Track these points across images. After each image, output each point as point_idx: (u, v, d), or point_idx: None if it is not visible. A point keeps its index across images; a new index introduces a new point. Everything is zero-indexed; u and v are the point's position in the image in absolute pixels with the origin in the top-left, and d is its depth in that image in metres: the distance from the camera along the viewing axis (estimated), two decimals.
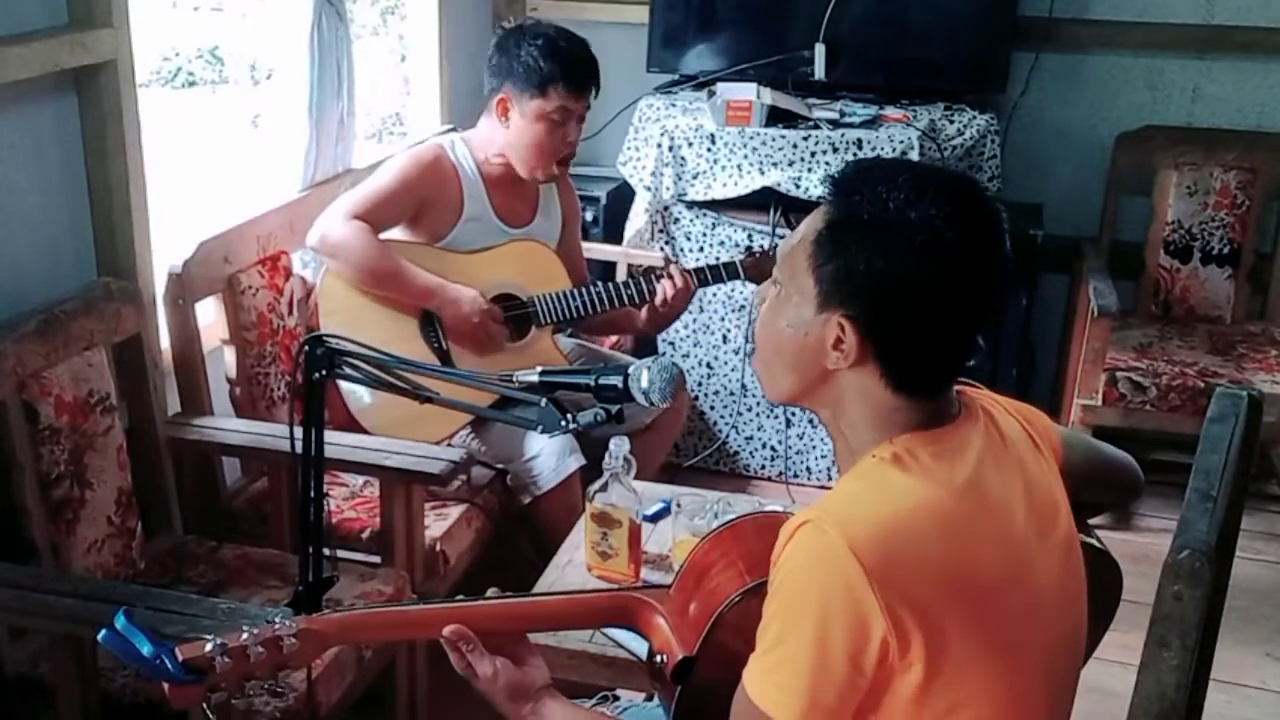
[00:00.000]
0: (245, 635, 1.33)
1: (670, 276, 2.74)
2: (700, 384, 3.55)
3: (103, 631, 1.30)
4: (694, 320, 3.49)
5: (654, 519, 2.23)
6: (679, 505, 2.13)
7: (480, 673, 1.40)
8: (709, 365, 3.53)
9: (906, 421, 1.27)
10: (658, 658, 1.49)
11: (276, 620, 1.37)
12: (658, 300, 2.74)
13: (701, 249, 3.42)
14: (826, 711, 1.18)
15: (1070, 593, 1.34)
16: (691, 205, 3.40)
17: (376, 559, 2.38)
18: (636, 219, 3.49)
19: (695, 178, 3.34)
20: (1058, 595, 1.32)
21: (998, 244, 1.26)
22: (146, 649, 1.29)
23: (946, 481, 1.24)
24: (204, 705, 1.34)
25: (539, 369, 1.63)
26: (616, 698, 1.80)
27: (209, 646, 1.31)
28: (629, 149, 3.47)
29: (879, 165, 1.31)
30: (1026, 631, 1.26)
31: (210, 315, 2.55)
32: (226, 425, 2.48)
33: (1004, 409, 1.38)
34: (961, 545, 1.22)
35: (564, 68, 2.63)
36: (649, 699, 1.83)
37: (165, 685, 1.31)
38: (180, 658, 1.29)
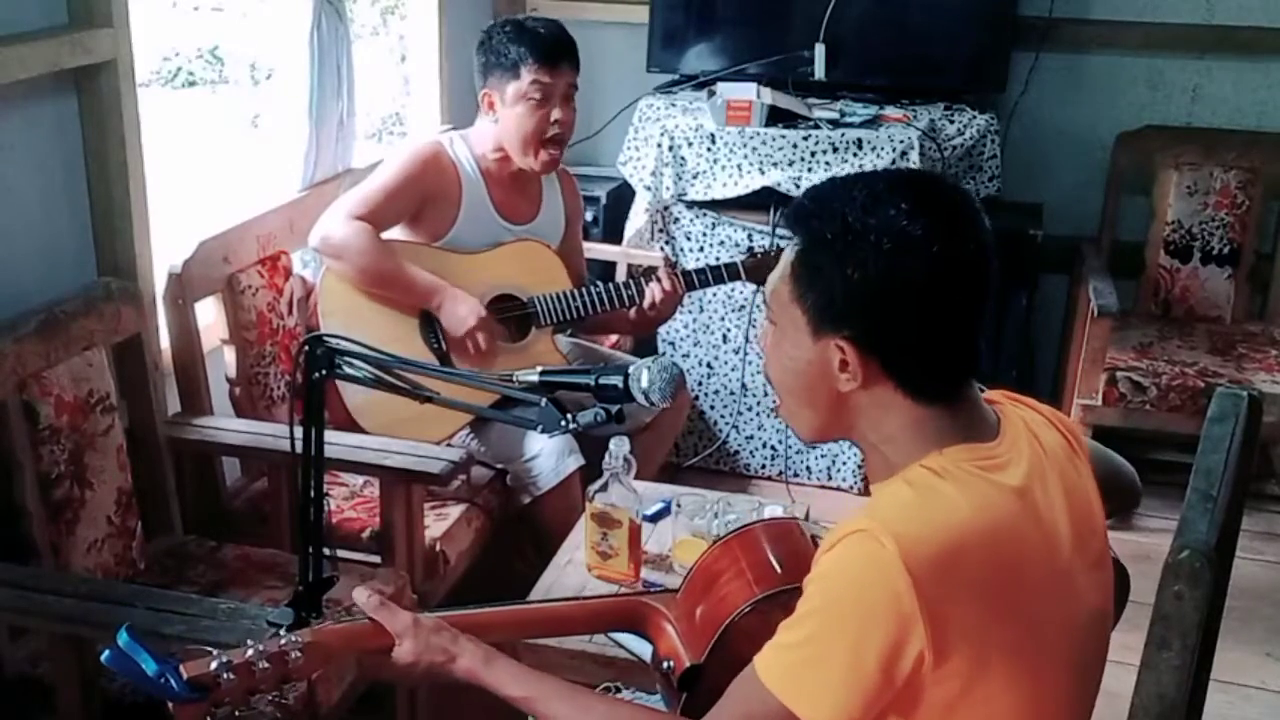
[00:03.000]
0: (250, 651, 1.32)
1: (659, 280, 2.74)
2: (700, 384, 3.55)
3: (105, 651, 1.30)
4: (694, 320, 3.50)
5: (654, 519, 2.23)
6: (679, 505, 2.13)
7: (394, 627, 1.39)
8: (709, 365, 3.53)
9: (947, 432, 1.27)
10: (664, 664, 1.49)
11: (282, 633, 1.36)
12: (645, 303, 2.73)
13: (701, 249, 3.42)
14: (850, 719, 1.18)
15: (1101, 606, 1.35)
16: (691, 205, 3.40)
17: (376, 559, 2.39)
18: (636, 219, 3.49)
19: (695, 178, 3.34)
20: (1090, 610, 1.32)
21: (968, 229, 1.26)
22: (150, 667, 1.28)
23: (998, 499, 1.23)
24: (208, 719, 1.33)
25: (539, 369, 1.63)
26: (619, 690, 1.80)
27: (214, 664, 1.30)
28: (629, 149, 3.47)
29: (830, 186, 1.32)
30: (1060, 645, 1.27)
31: (210, 315, 2.55)
32: (226, 425, 2.48)
33: (1045, 418, 1.38)
34: (1011, 563, 1.22)
35: (531, 44, 2.65)
36: (651, 693, 1.83)
37: (169, 703, 1.30)
38: (184, 675, 1.28)
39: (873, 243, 1.22)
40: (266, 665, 1.32)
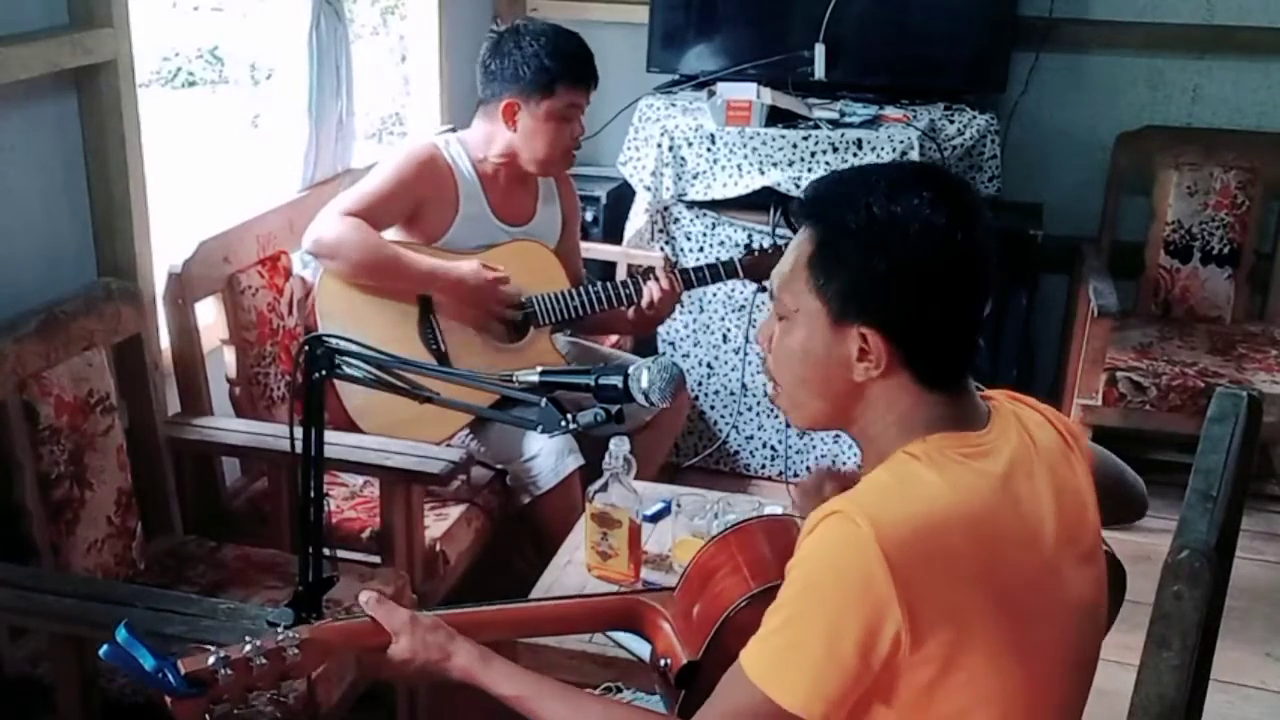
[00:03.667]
0: (248, 647, 1.32)
1: (656, 279, 2.74)
2: (700, 384, 3.55)
3: (104, 646, 1.30)
4: (694, 320, 3.50)
5: (654, 519, 2.23)
6: (679, 505, 2.13)
7: (391, 624, 1.39)
8: (709, 365, 3.53)
9: (937, 419, 1.28)
10: (662, 661, 1.49)
11: (279, 630, 1.36)
12: (644, 302, 2.74)
13: (701, 249, 3.42)
14: (828, 702, 1.18)
15: (1092, 600, 1.35)
16: (691, 205, 3.40)
17: (376, 559, 2.39)
18: (636, 219, 3.49)
19: (695, 178, 3.34)
20: (1080, 603, 1.32)
21: (978, 216, 1.28)
22: (149, 662, 1.28)
23: (978, 484, 1.24)
24: (206, 716, 1.33)
25: (539, 369, 1.63)
26: (620, 690, 1.80)
27: (212, 659, 1.30)
28: (629, 149, 3.47)
29: (845, 176, 1.33)
30: (1048, 636, 1.27)
31: (210, 315, 2.55)
32: (226, 425, 2.48)
33: (1042, 416, 1.38)
34: (990, 547, 1.22)
35: (569, 65, 2.65)
36: (651, 694, 1.83)
37: (167, 699, 1.31)
38: (182, 671, 1.29)
39: (899, 232, 1.23)
40: (264, 662, 1.32)
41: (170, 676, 1.28)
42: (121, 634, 1.29)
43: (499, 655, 1.41)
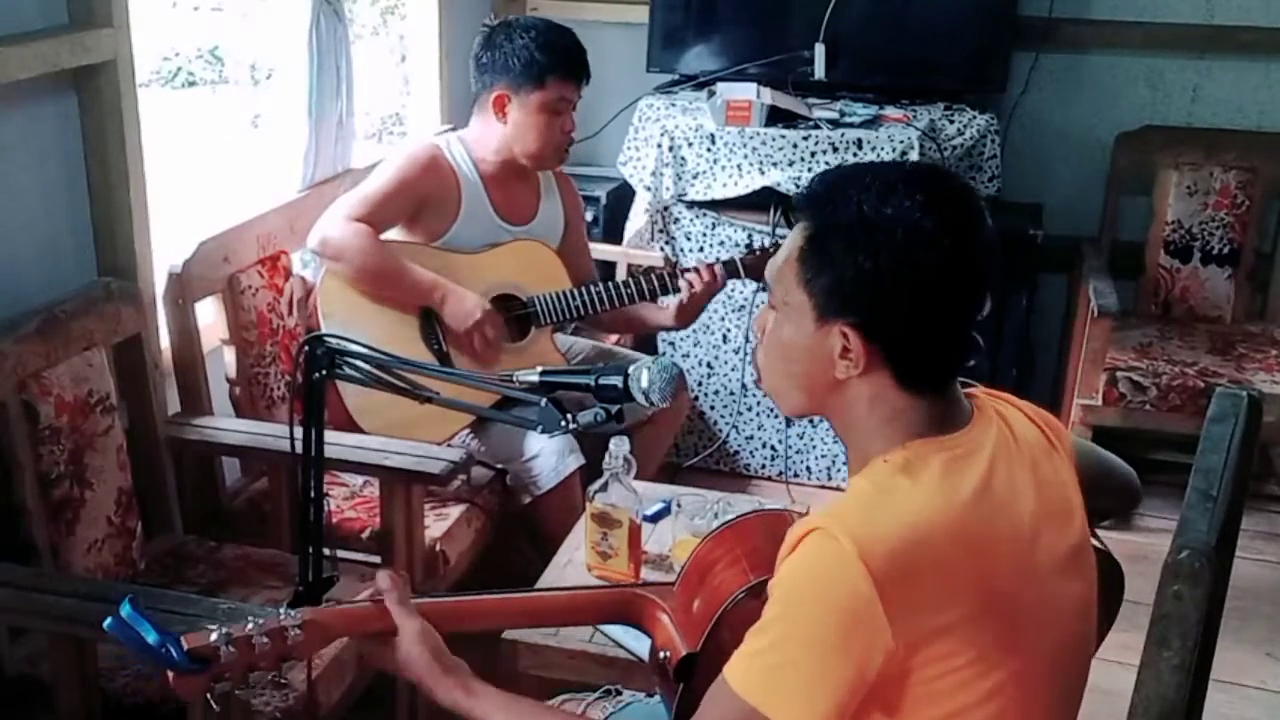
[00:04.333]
0: (250, 625, 1.33)
1: (698, 271, 2.74)
2: (700, 384, 3.55)
3: (108, 619, 1.30)
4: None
5: (654, 519, 2.23)
6: (679, 505, 2.14)
7: (403, 628, 1.39)
8: (709, 365, 3.53)
9: (919, 423, 1.28)
10: (660, 655, 1.49)
11: (281, 612, 1.37)
12: (684, 294, 2.74)
13: (701, 249, 3.42)
14: (825, 717, 1.18)
15: (1081, 595, 1.35)
16: (691, 205, 3.40)
17: (376, 559, 2.38)
18: (636, 219, 3.49)
19: (695, 178, 3.34)
20: (1071, 598, 1.32)
21: (974, 223, 1.27)
22: (152, 637, 1.29)
23: (958, 492, 1.23)
24: (208, 695, 1.33)
25: (539, 369, 1.63)
26: (619, 692, 1.80)
27: (214, 636, 1.31)
28: (629, 149, 3.47)
29: (843, 173, 1.32)
30: (1038, 633, 1.27)
31: (210, 315, 2.55)
32: (226, 425, 2.48)
33: (1023, 413, 1.38)
34: (973, 552, 1.22)
35: (560, 58, 2.66)
36: (650, 695, 1.83)
37: (169, 674, 1.31)
38: (185, 647, 1.29)
39: (886, 233, 1.23)
40: (266, 641, 1.33)
41: (173, 651, 1.29)
42: (125, 609, 1.30)
43: (485, 686, 1.40)
